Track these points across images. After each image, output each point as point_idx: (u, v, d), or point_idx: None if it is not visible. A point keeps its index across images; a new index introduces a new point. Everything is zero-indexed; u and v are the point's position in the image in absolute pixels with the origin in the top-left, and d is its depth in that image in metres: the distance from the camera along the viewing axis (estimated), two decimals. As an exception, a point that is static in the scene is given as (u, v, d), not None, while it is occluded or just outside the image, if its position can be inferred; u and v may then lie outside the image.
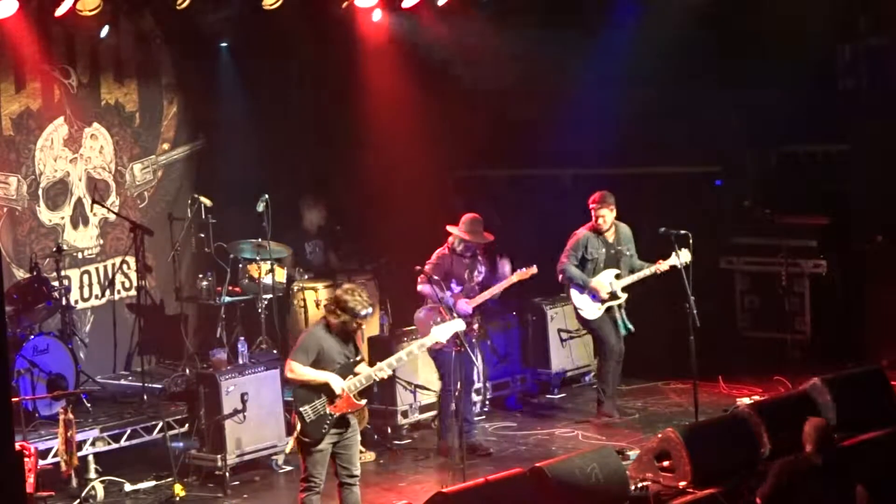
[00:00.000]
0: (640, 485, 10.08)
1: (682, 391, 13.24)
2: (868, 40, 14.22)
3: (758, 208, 14.71)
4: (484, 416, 13.07)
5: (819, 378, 11.40)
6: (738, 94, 14.08)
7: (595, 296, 12.43)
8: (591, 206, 12.48)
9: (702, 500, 9.93)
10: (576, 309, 12.64)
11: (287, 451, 9.57)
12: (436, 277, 11.50)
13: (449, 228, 11.92)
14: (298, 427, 9.37)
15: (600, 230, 12.47)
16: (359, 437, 9.62)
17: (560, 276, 12.61)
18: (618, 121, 14.13)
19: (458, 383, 11.03)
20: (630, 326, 12.53)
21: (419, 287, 11.73)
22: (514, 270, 11.98)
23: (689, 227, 11.96)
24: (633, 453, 10.85)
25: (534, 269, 11.91)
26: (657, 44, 13.93)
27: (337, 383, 9.34)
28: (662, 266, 12.19)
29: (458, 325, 10.36)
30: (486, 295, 11.95)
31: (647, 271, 12.34)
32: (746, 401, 12.47)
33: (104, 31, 13.05)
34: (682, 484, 10.05)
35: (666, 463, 10.20)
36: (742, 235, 14.82)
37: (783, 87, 13.79)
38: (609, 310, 12.47)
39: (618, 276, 12.42)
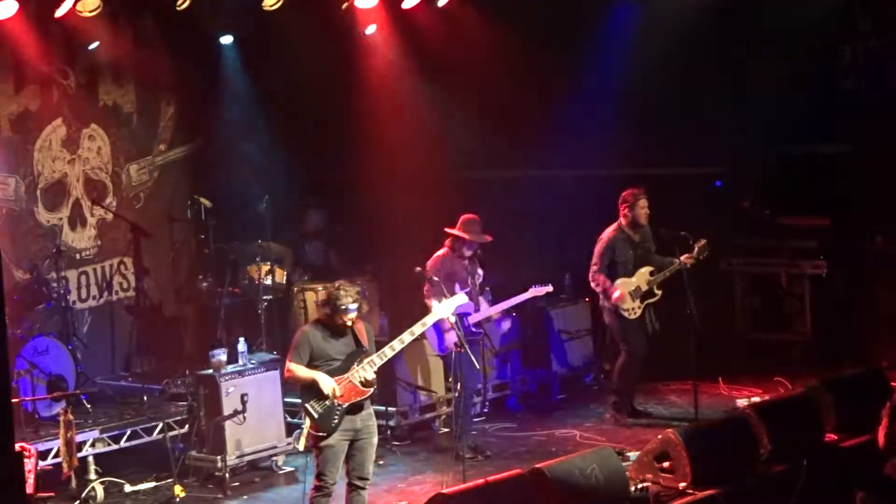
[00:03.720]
0: (639, 486, 10.07)
1: (682, 392, 13.24)
2: (868, 41, 14.23)
3: (758, 209, 14.71)
4: (484, 417, 13.08)
5: (819, 379, 11.41)
6: (739, 94, 14.09)
7: (634, 293, 12.41)
8: (630, 198, 12.43)
9: (701, 500, 9.92)
10: (618, 309, 12.47)
11: (300, 448, 9.54)
12: (436, 279, 11.47)
13: (447, 230, 11.90)
14: (308, 423, 9.36)
15: (638, 225, 12.42)
16: (375, 440, 9.62)
17: (593, 285, 12.60)
18: (618, 122, 14.13)
19: (459, 384, 11.02)
20: (656, 326, 12.55)
21: (427, 301, 11.58)
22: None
23: (689, 227, 11.96)
24: (632, 454, 10.84)
25: (549, 288, 12.13)
26: (657, 44, 13.93)
27: (326, 383, 9.34)
28: (689, 260, 12.23)
29: (461, 299, 10.39)
30: (499, 308, 12.09)
31: (677, 266, 12.29)
32: (746, 402, 12.49)
33: (93, 45, 13.04)
34: (682, 485, 10.04)
35: (666, 464, 10.20)
36: (742, 236, 14.82)
37: (783, 88, 13.80)
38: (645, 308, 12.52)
39: (652, 274, 12.43)
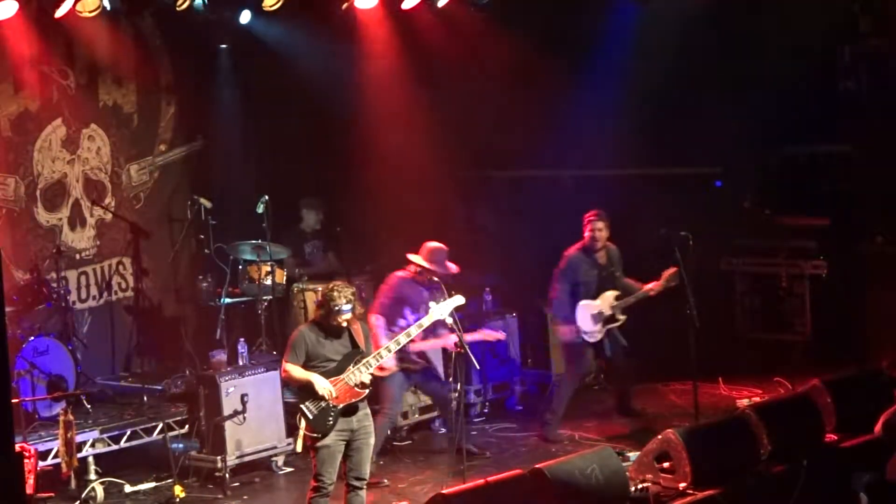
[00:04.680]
0: (639, 486, 10.08)
1: (682, 392, 13.23)
2: (868, 42, 14.22)
3: (758, 209, 14.70)
4: (484, 418, 13.08)
5: (819, 379, 11.41)
6: (738, 94, 14.07)
7: (597, 317, 12.18)
8: (587, 220, 12.22)
9: (701, 501, 9.93)
10: (580, 331, 12.17)
11: (298, 449, 9.56)
12: (385, 301, 11.30)
13: (410, 256, 11.50)
14: (303, 423, 9.38)
15: (594, 248, 12.19)
16: (372, 441, 9.63)
17: (551, 307, 12.38)
18: (618, 122, 14.12)
19: (459, 384, 11.00)
20: (622, 342, 12.33)
21: (371, 318, 11.18)
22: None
23: (690, 228, 11.94)
24: (632, 454, 10.84)
25: (501, 335, 12.12)
26: (657, 44, 13.92)
27: (321, 385, 9.34)
28: (655, 288, 12.04)
29: (458, 301, 10.34)
30: (435, 344, 11.44)
31: (642, 294, 12.13)
32: (746, 402, 12.49)
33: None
34: (682, 485, 10.05)
35: (666, 464, 10.21)
36: (742, 236, 14.81)
37: (783, 88, 13.79)
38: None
39: (617, 298, 12.20)
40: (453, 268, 11.45)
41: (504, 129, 14.63)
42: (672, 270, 11.97)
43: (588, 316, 12.18)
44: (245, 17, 13.51)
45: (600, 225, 12.21)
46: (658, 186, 14.75)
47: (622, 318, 12.25)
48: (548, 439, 12.23)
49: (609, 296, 12.23)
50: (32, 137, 13.18)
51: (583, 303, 12.19)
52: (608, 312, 12.19)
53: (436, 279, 11.14)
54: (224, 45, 14.30)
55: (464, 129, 14.60)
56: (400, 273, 11.52)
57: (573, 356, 12.37)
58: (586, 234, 12.25)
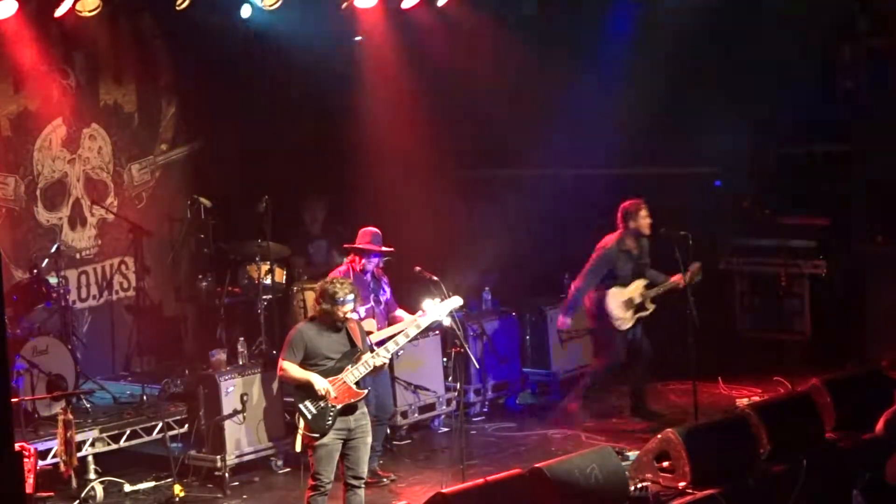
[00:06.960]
0: (639, 485, 10.08)
1: (682, 392, 13.24)
2: (868, 41, 14.22)
3: (757, 209, 14.70)
4: (484, 417, 13.09)
5: (818, 379, 11.42)
6: (738, 94, 14.07)
7: (627, 304, 12.27)
8: (634, 208, 12.27)
9: (701, 500, 9.94)
10: (612, 318, 12.32)
11: (297, 448, 9.55)
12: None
13: (347, 246, 11.50)
14: (301, 423, 9.37)
15: (642, 233, 12.26)
16: (369, 440, 9.60)
17: (571, 294, 12.49)
18: (618, 121, 14.11)
19: (459, 384, 11.00)
20: (638, 338, 12.42)
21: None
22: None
23: (689, 227, 11.94)
24: (632, 454, 10.85)
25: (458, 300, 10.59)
26: (657, 44, 13.92)
27: (320, 384, 9.33)
28: (682, 282, 12.01)
29: (456, 302, 10.32)
30: (394, 329, 10.92)
31: (670, 285, 12.19)
32: (746, 402, 12.49)
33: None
34: (682, 484, 10.06)
35: (665, 463, 10.22)
36: (741, 236, 14.81)
37: (783, 87, 13.79)
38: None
39: (647, 287, 12.30)
40: (389, 249, 11.43)
41: (504, 128, 14.62)
42: (697, 265, 12.03)
43: (619, 303, 12.28)
44: (246, 11, 13.43)
45: (646, 212, 12.29)
46: (658, 186, 14.74)
47: (651, 307, 12.33)
48: (568, 410, 12.48)
49: (640, 283, 12.32)
50: (32, 137, 13.18)
51: (613, 290, 12.29)
52: (638, 300, 12.28)
53: (371, 267, 11.23)
54: (224, 45, 14.28)
55: (464, 128, 14.60)
56: (341, 268, 11.37)
57: (603, 344, 12.55)
58: (633, 223, 12.29)
